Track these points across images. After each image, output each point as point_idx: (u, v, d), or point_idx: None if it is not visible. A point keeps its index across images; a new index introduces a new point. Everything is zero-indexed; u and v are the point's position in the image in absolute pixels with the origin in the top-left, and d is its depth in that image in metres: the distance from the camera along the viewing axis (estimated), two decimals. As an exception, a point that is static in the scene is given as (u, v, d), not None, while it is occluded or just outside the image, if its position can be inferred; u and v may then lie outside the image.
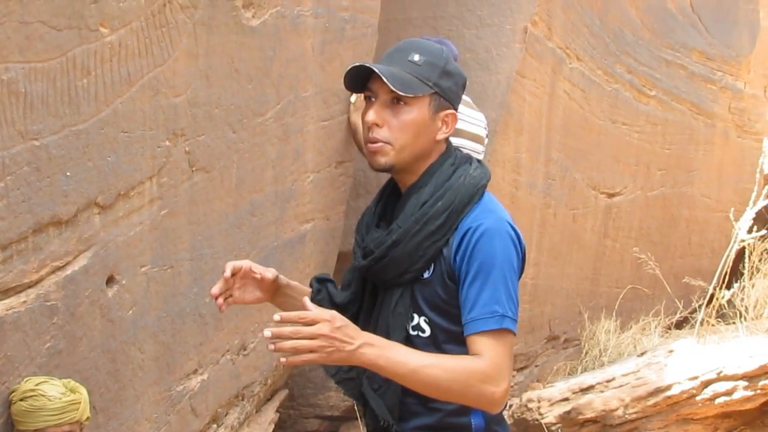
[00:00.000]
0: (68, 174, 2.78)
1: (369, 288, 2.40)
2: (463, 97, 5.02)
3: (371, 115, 2.24)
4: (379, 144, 2.24)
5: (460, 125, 4.92)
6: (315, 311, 2.01)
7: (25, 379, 2.72)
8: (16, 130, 2.56)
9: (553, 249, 6.97)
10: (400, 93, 2.19)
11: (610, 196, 7.58)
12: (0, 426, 2.72)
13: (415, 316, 2.28)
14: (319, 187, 4.64)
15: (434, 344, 2.27)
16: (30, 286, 2.73)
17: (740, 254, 7.36)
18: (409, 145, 2.25)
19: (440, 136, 2.30)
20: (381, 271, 2.29)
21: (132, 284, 3.24)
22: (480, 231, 2.19)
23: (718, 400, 5.66)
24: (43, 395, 2.71)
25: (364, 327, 2.28)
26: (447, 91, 2.28)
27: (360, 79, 2.27)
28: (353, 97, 4.74)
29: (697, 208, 8.72)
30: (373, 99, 2.26)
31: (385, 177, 2.45)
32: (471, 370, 2.12)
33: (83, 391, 2.83)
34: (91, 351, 3.05)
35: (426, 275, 2.26)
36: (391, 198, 2.40)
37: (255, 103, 3.87)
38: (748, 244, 7.04)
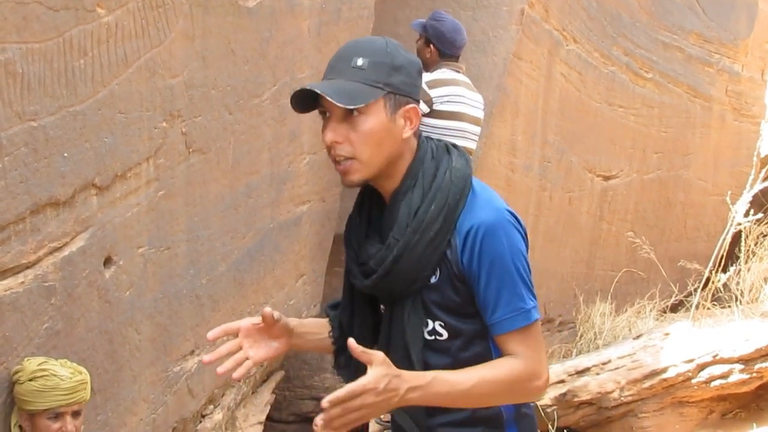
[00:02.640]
0: (65, 155, 2.78)
1: (357, 293, 2.33)
2: (463, 78, 5.06)
3: (329, 135, 2.12)
4: (347, 163, 2.14)
5: (462, 109, 4.93)
6: (359, 384, 1.94)
7: (26, 359, 2.73)
8: (13, 110, 2.55)
9: (549, 232, 6.98)
10: (348, 107, 2.07)
11: (606, 179, 7.58)
12: (-1, 406, 2.74)
13: (429, 321, 2.22)
14: (315, 168, 4.63)
15: (454, 344, 2.23)
16: (28, 266, 2.73)
17: (736, 238, 7.37)
18: (375, 155, 2.14)
19: (406, 134, 2.18)
20: (387, 286, 2.21)
21: (129, 265, 3.24)
22: (483, 229, 2.12)
23: (713, 383, 5.69)
24: (55, 375, 2.72)
25: (369, 339, 2.26)
26: (401, 87, 2.14)
27: (310, 99, 2.14)
28: None
29: (693, 192, 8.73)
30: (328, 114, 2.14)
31: None
32: (514, 374, 2.12)
33: (85, 371, 2.85)
34: (89, 332, 3.05)
35: (433, 280, 2.19)
36: (374, 204, 2.30)
37: (251, 85, 3.86)
38: (744, 228, 7.05)
